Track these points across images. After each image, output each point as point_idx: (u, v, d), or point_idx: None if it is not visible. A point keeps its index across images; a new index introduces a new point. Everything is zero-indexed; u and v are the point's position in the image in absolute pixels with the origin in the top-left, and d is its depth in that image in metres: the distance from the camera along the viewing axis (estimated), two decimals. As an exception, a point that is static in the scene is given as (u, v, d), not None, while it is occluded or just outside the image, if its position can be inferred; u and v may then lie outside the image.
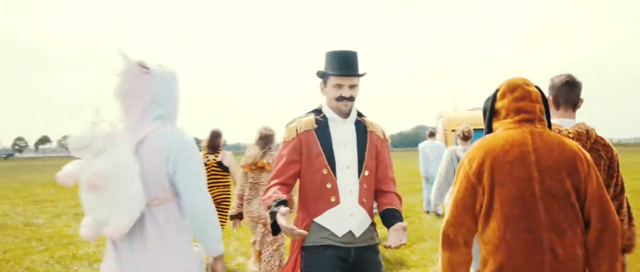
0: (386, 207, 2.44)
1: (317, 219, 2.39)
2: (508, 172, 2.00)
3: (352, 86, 2.45)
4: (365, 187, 2.45)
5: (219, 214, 4.57)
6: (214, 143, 5.45)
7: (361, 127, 2.53)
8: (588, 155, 2.07)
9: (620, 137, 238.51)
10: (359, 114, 2.58)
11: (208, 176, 5.12)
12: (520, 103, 2.12)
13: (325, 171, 2.39)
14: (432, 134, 10.08)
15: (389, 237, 2.28)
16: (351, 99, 2.46)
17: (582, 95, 2.55)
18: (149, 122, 2.07)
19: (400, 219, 2.37)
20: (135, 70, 2.09)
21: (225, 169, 5.42)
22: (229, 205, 5.39)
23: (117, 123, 2.08)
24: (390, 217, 2.39)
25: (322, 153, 2.41)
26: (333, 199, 2.38)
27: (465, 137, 5.06)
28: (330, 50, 2.49)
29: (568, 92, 2.53)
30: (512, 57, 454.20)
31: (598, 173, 2.05)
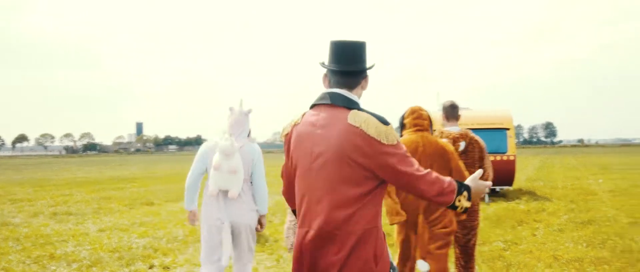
0: None
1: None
2: None
3: None
4: None
5: None
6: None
7: None
8: (451, 148, 3.71)
9: (598, 138, 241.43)
10: None
11: None
12: (416, 120, 3.78)
13: None
14: None
15: None
16: None
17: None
18: (242, 139, 4.00)
19: None
20: (239, 113, 4.05)
21: None
22: None
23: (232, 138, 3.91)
24: None
25: None
26: None
27: None
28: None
29: (452, 111, 4.37)
30: (494, 60, 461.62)
31: (457, 158, 3.69)
